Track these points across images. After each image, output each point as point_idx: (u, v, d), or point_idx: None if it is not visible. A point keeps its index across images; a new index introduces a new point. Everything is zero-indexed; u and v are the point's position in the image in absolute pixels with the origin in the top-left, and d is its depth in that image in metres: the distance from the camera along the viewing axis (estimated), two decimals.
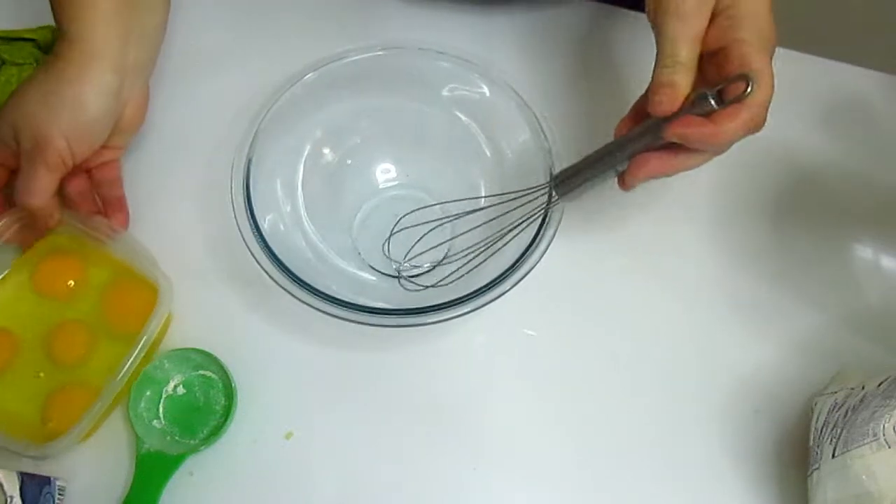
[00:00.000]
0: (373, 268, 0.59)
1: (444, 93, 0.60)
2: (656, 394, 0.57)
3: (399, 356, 0.57)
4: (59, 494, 0.51)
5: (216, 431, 0.53)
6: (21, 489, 0.48)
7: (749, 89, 0.44)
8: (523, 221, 0.54)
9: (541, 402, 0.56)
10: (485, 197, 0.59)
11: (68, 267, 0.57)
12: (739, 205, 0.63)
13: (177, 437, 0.54)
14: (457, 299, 0.50)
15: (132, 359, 0.51)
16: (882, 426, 0.46)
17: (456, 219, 0.59)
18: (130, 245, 0.56)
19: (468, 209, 0.58)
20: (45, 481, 0.50)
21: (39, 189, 0.52)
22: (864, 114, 0.67)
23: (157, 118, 0.62)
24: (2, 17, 0.65)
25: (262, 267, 0.51)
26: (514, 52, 0.69)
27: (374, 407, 0.56)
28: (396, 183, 0.62)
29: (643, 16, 0.50)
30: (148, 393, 0.54)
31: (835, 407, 0.50)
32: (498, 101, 0.58)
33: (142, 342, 0.52)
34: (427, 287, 0.56)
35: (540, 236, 0.52)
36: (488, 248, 0.55)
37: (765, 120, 0.46)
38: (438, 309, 0.50)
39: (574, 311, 0.59)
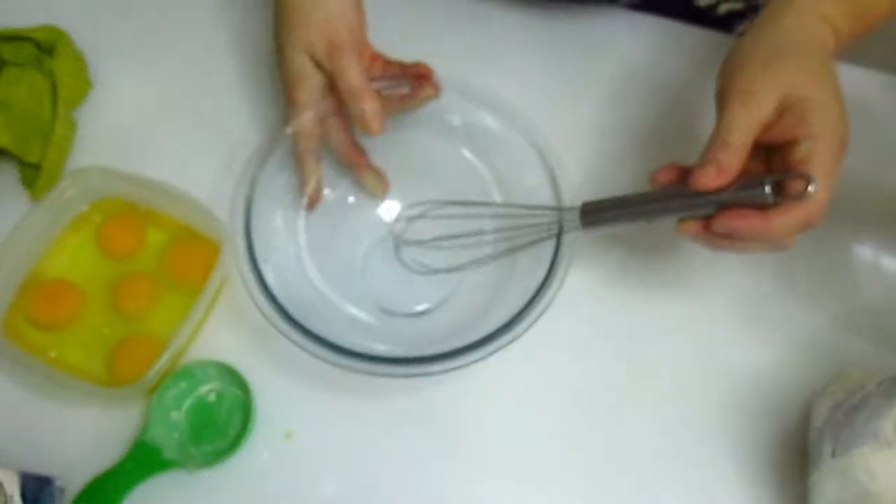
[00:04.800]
0: (379, 307, 0.57)
1: (453, 125, 0.58)
2: (656, 394, 0.56)
3: None
4: (60, 495, 0.51)
5: (217, 455, 0.53)
6: (21, 489, 0.48)
7: (808, 190, 0.43)
8: (537, 241, 0.53)
9: (541, 404, 0.56)
10: (499, 205, 0.58)
11: (130, 227, 0.59)
12: None
13: (182, 439, 0.54)
14: (466, 347, 0.49)
15: (199, 306, 0.53)
16: (882, 426, 0.46)
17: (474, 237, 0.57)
18: (191, 204, 0.57)
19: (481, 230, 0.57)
20: (45, 481, 0.50)
21: (355, 74, 0.52)
22: (865, 114, 0.67)
23: None
24: (2, 17, 0.65)
25: (265, 315, 0.50)
26: (520, 55, 0.69)
27: (374, 407, 0.56)
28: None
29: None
30: (182, 384, 0.54)
31: (835, 407, 0.50)
32: (509, 137, 0.56)
33: (212, 285, 0.54)
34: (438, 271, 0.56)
35: (548, 281, 0.51)
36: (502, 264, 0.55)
37: (822, 218, 0.45)
38: (447, 357, 0.49)
39: (573, 312, 0.59)
